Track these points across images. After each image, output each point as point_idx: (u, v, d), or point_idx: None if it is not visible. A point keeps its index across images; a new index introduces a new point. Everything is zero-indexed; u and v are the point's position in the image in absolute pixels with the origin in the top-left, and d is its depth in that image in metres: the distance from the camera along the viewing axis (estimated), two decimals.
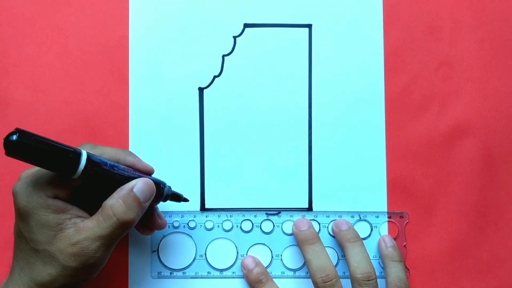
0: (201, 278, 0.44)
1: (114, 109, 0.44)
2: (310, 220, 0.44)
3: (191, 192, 0.44)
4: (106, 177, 0.35)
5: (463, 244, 0.44)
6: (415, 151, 0.44)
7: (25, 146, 0.31)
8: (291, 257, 0.44)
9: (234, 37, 0.45)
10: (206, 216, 0.44)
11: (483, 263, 0.44)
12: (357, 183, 0.44)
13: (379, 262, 0.44)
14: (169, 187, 0.39)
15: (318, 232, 0.44)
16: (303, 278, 0.44)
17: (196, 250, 0.44)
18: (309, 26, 0.45)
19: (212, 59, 0.45)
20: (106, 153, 0.37)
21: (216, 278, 0.44)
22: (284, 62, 0.45)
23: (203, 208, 0.44)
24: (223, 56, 0.45)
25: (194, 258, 0.44)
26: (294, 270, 0.44)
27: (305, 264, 0.42)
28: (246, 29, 0.45)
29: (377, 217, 0.44)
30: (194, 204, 0.44)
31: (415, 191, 0.44)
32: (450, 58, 0.45)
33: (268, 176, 0.44)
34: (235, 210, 0.44)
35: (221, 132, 0.44)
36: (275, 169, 0.44)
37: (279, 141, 0.44)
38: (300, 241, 0.42)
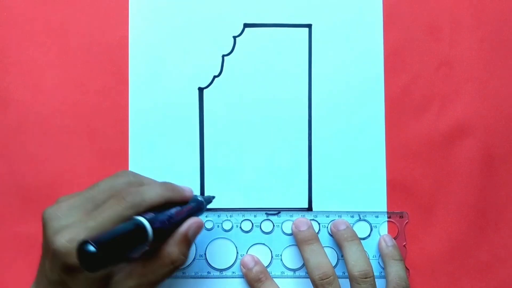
0: (200, 278, 0.44)
1: (114, 109, 0.44)
2: (310, 220, 0.44)
3: None
4: (166, 231, 0.34)
5: (463, 244, 0.44)
6: (415, 151, 0.44)
7: (101, 256, 0.28)
8: (291, 257, 0.44)
9: (234, 37, 0.45)
10: (206, 216, 0.44)
11: (483, 263, 0.44)
12: (357, 183, 0.44)
13: (378, 262, 0.44)
14: (207, 199, 0.40)
15: (317, 232, 0.44)
16: (303, 278, 0.44)
17: (196, 250, 0.44)
18: (309, 26, 0.45)
19: (212, 59, 0.45)
20: (145, 182, 0.36)
21: (216, 278, 0.44)
22: (284, 62, 0.45)
23: None
24: (223, 56, 0.45)
25: (194, 258, 0.44)
26: (294, 270, 0.44)
27: (304, 264, 0.42)
28: (246, 29, 0.45)
29: (377, 217, 0.44)
30: None
31: (415, 191, 0.44)
32: (450, 58, 0.45)
33: (268, 176, 0.44)
34: (235, 210, 0.44)
35: (221, 132, 0.44)
36: (275, 169, 0.44)
37: (279, 141, 0.44)
38: (299, 241, 0.42)
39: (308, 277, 0.41)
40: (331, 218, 0.44)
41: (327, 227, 0.44)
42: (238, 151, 0.44)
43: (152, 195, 0.34)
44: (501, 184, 0.45)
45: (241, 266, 0.43)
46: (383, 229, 0.44)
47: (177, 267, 0.34)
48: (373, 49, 0.45)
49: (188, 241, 0.35)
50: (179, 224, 0.35)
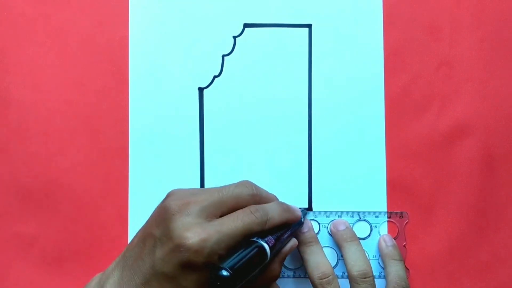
0: None
1: (114, 109, 0.44)
2: (310, 220, 0.44)
3: None
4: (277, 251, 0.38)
5: (463, 244, 0.44)
6: (415, 151, 0.44)
7: (233, 280, 0.32)
8: (291, 257, 0.44)
9: (234, 37, 0.45)
10: None
11: (483, 263, 0.44)
12: (357, 183, 0.44)
13: (378, 262, 0.44)
14: (303, 214, 0.41)
15: (317, 232, 0.44)
16: (303, 278, 0.44)
17: None
18: (309, 26, 0.45)
19: (212, 59, 0.45)
20: (264, 196, 0.38)
21: None
22: (284, 62, 0.45)
23: None
24: (223, 56, 0.45)
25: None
26: (294, 270, 0.44)
27: (303, 264, 0.42)
28: (246, 29, 0.45)
29: (377, 217, 0.44)
30: None
31: (415, 191, 0.44)
32: (450, 58, 0.45)
33: (268, 176, 0.44)
34: None
35: (221, 132, 0.44)
36: (275, 169, 0.44)
37: (279, 141, 0.44)
38: (298, 242, 0.42)
39: (308, 277, 0.41)
40: (331, 218, 0.44)
41: (327, 227, 0.44)
42: (238, 151, 0.44)
43: (276, 216, 0.37)
44: (501, 184, 0.45)
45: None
46: (383, 229, 0.44)
47: (274, 281, 0.39)
48: (373, 49, 0.45)
49: (286, 258, 0.39)
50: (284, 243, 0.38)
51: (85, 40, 0.44)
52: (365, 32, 0.45)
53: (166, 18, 0.45)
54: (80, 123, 0.44)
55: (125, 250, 0.36)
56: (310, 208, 0.44)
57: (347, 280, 0.41)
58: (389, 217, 0.44)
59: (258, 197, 0.37)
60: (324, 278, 0.40)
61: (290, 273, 0.44)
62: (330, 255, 0.43)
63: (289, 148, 0.44)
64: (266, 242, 0.35)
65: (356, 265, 0.40)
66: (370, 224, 0.44)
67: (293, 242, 0.39)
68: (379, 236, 0.44)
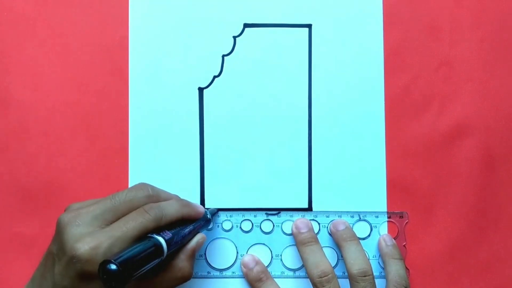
0: (201, 278, 0.44)
1: (114, 109, 0.44)
2: (310, 220, 0.44)
3: (191, 192, 0.44)
4: (179, 247, 0.37)
5: (463, 244, 0.44)
6: (415, 151, 0.44)
7: (123, 274, 0.30)
8: (291, 257, 0.44)
9: (234, 37, 0.45)
10: None
11: (483, 263, 0.44)
12: (357, 183, 0.44)
13: (378, 262, 0.44)
14: (212, 213, 0.42)
15: (317, 233, 0.44)
16: (303, 278, 0.44)
17: None
18: (309, 26, 0.45)
19: (212, 59, 0.45)
20: (163, 197, 0.38)
21: (216, 278, 0.44)
22: (284, 62, 0.45)
23: None
24: (223, 56, 0.45)
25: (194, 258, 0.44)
26: (294, 270, 0.44)
27: (303, 264, 0.42)
28: (246, 29, 0.45)
29: (377, 217, 0.44)
30: None
31: (414, 191, 0.44)
32: (450, 58, 0.45)
33: (268, 176, 0.44)
34: (234, 210, 0.44)
35: (221, 132, 0.44)
36: (275, 169, 0.44)
37: (279, 141, 0.44)
38: (298, 242, 0.42)
39: (307, 277, 0.41)
40: (331, 218, 0.44)
41: (327, 227, 0.44)
42: (238, 151, 0.44)
43: (172, 211, 0.36)
44: (501, 184, 0.45)
45: (242, 266, 0.43)
46: (383, 229, 0.44)
47: (185, 281, 0.37)
48: (373, 49, 0.45)
49: (195, 255, 0.38)
50: (188, 240, 0.38)
51: (85, 40, 0.44)
52: (365, 32, 0.45)
53: (166, 18, 0.45)
54: (80, 123, 0.44)
55: (34, 272, 0.37)
56: (310, 208, 0.44)
57: (347, 280, 0.41)
58: (389, 217, 0.44)
59: (155, 198, 0.37)
60: (323, 277, 0.40)
61: (290, 273, 0.44)
62: (330, 255, 0.43)
63: (289, 148, 0.44)
64: (161, 236, 0.34)
65: (355, 264, 0.40)
66: (370, 224, 0.44)
67: (200, 237, 0.38)
68: (379, 236, 0.44)
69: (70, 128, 0.44)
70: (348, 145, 0.44)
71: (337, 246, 0.43)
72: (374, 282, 0.40)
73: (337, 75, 0.45)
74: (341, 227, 0.43)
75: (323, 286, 0.40)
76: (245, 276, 0.43)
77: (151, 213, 0.35)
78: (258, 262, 0.43)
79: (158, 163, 0.44)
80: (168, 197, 0.38)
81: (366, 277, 0.40)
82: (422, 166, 0.44)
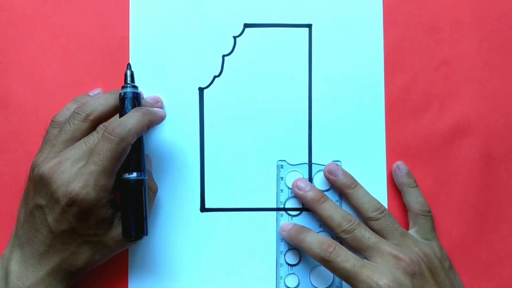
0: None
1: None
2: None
3: (191, 192, 0.44)
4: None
5: (463, 244, 0.44)
6: (415, 151, 0.45)
7: None
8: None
9: (234, 37, 0.45)
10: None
11: (483, 263, 0.44)
12: None
13: None
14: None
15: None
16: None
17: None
18: (309, 26, 0.45)
19: (212, 59, 0.45)
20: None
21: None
22: (284, 62, 0.45)
23: (203, 208, 0.44)
24: (223, 56, 0.45)
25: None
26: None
27: (323, 222, 0.42)
28: (246, 29, 0.45)
29: None
30: (194, 204, 0.44)
31: None
32: (450, 58, 0.45)
33: (268, 176, 0.44)
34: (235, 210, 0.44)
35: (221, 132, 0.44)
36: (275, 169, 0.44)
37: (279, 141, 0.44)
38: (310, 202, 0.42)
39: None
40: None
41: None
42: (238, 151, 0.44)
43: (136, 123, 0.37)
44: (501, 184, 0.45)
45: (296, 189, 0.43)
46: None
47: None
48: (373, 49, 0.45)
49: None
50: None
51: (85, 41, 0.44)
52: (365, 32, 0.45)
53: (167, 18, 0.45)
54: None
55: (14, 231, 0.39)
56: None
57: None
58: None
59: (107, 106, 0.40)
60: (353, 222, 0.40)
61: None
62: None
63: (289, 148, 0.44)
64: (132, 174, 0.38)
65: (370, 207, 0.42)
66: None
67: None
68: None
69: None
70: (348, 145, 0.44)
71: (340, 193, 0.44)
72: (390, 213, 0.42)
73: (337, 75, 0.45)
74: (340, 174, 0.43)
75: (354, 230, 0.40)
76: (303, 198, 0.43)
77: (115, 134, 0.36)
78: (312, 186, 0.43)
79: (158, 163, 0.44)
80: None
81: (384, 213, 0.41)
82: (422, 166, 0.44)
